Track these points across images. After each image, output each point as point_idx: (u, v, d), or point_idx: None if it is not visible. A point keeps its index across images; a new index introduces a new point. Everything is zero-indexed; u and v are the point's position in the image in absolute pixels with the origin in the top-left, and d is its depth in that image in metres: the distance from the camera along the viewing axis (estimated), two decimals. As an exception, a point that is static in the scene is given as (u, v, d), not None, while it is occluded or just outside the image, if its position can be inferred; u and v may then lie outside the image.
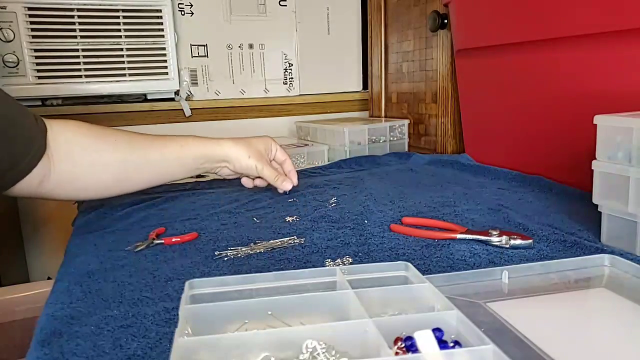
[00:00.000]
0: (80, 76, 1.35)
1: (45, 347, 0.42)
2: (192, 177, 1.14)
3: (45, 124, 0.68)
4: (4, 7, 1.25)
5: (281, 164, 0.89)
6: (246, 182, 0.89)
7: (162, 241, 0.67)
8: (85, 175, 0.70)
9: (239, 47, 1.58)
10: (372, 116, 1.59)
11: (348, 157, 1.26)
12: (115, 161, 0.72)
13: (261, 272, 0.50)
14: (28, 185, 0.66)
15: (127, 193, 0.79)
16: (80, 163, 0.69)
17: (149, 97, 1.49)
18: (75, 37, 1.32)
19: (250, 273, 0.47)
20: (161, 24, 1.40)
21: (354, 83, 1.75)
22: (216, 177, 1.12)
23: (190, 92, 1.54)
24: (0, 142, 0.60)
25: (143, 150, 0.75)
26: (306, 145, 1.34)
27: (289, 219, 0.76)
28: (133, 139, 0.75)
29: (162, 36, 1.41)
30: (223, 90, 1.58)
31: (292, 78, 1.66)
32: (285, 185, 0.85)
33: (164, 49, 1.42)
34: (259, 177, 0.86)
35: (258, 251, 0.62)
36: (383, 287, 0.42)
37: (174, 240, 0.67)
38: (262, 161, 0.83)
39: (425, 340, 0.32)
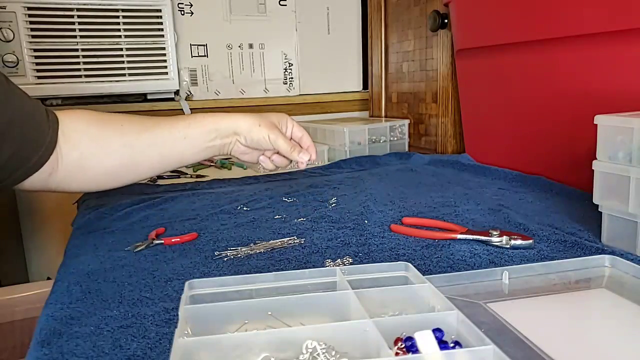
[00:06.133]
0: (80, 76, 1.34)
1: (45, 347, 0.42)
2: (191, 177, 1.14)
3: (56, 117, 0.67)
4: (4, 7, 1.25)
5: (299, 140, 0.81)
6: (264, 161, 0.80)
7: (162, 241, 0.67)
8: (92, 164, 0.69)
9: (239, 47, 1.58)
10: (372, 116, 1.59)
11: (348, 157, 1.26)
12: (122, 146, 0.70)
13: (261, 272, 0.50)
14: (38, 179, 0.65)
15: (138, 180, 0.76)
16: (87, 152, 0.68)
17: (148, 97, 1.48)
18: (75, 37, 1.32)
19: (250, 273, 0.47)
20: (161, 23, 1.40)
21: (354, 83, 1.75)
22: (216, 177, 1.12)
23: (190, 92, 1.54)
24: (12, 138, 0.60)
25: (149, 132, 0.71)
26: (306, 145, 1.34)
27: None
28: (140, 122, 0.73)
29: (162, 36, 1.41)
30: (223, 90, 1.58)
31: (292, 78, 1.66)
32: (302, 156, 0.76)
33: (163, 48, 1.42)
34: (276, 154, 0.78)
35: (258, 251, 0.62)
36: (383, 287, 0.42)
37: (173, 240, 0.67)
38: (275, 131, 0.75)
39: (425, 340, 0.32)
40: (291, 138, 0.80)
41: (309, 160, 0.77)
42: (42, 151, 0.64)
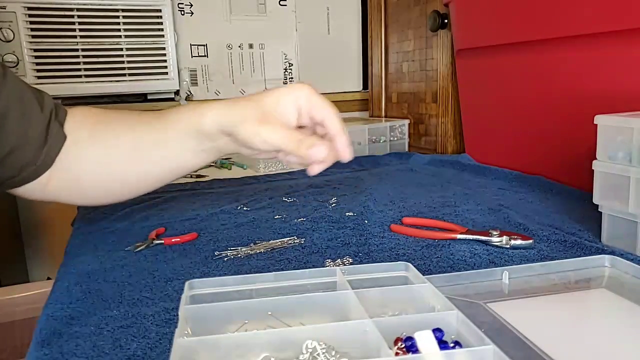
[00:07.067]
0: (80, 76, 1.35)
1: (45, 347, 0.42)
2: (191, 177, 1.14)
3: (65, 114, 0.60)
4: (4, 7, 1.25)
5: (320, 123, 0.55)
6: (282, 158, 0.57)
7: (162, 241, 0.67)
8: (89, 177, 0.60)
9: (239, 47, 1.58)
10: (372, 116, 1.59)
11: (348, 157, 1.26)
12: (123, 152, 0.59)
13: (261, 272, 0.50)
14: (34, 188, 0.60)
15: (140, 194, 0.67)
16: (89, 154, 0.59)
17: (149, 97, 1.49)
18: (75, 37, 1.32)
19: (250, 273, 0.47)
20: (161, 23, 1.40)
21: (354, 83, 1.75)
22: (216, 177, 1.12)
23: (190, 92, 1.54)
24: (7, 132, 0.54)
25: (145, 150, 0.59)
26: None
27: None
28: (137, 124, 0.59)
29: (162, 36, 1.41)
30: (223, 90, 1.58)
31: (292, 78, 1.66)
32: (314, 152, 0.50)
33: (163, 48, 1.42)
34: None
35: (258, 251, 0.62)
36: (383, 287, 0.42)
37: (173, 240, 0.67)
38: (268, 127, 0.51)
39: (425, 340, 0.32)
40: (310, 123, 0.55)
41: (323, 156, 0.51)
42: (44, 154, 0.57)
